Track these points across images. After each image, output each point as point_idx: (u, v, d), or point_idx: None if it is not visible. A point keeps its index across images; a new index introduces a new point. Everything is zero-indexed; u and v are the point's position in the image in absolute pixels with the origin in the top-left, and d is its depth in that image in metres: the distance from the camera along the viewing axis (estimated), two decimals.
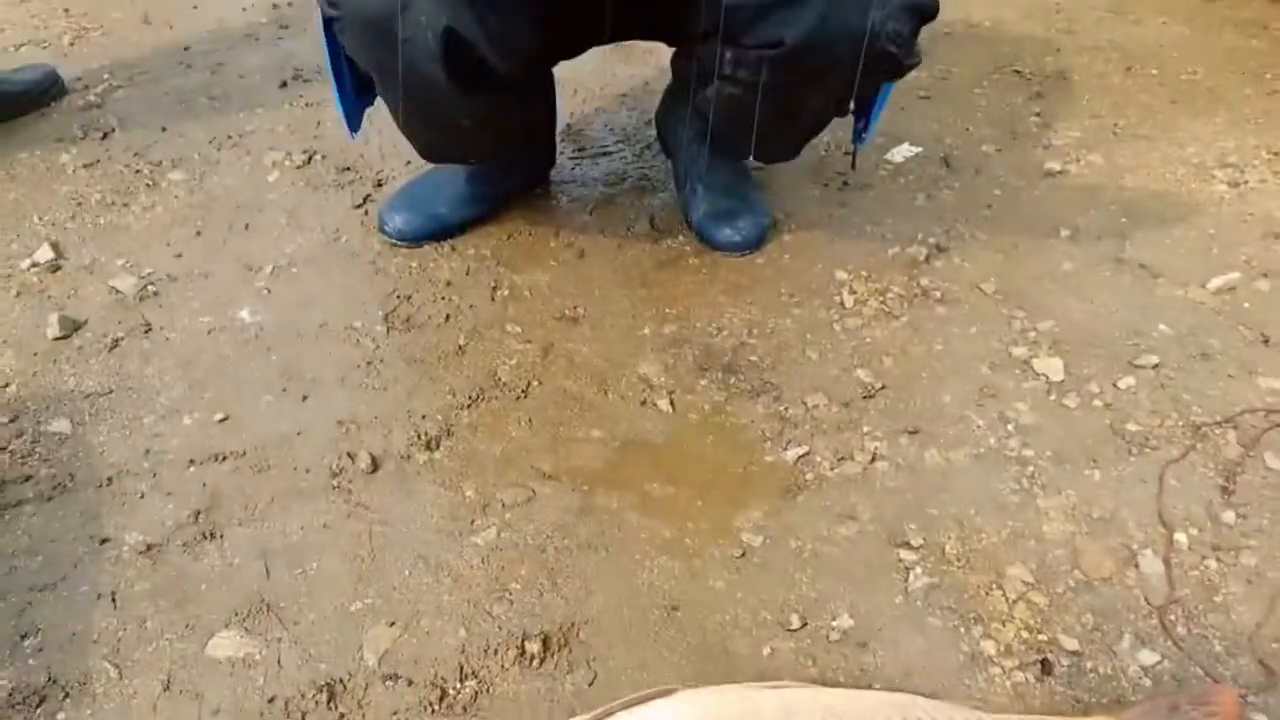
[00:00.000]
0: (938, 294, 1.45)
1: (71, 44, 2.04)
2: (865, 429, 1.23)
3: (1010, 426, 1.23)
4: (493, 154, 1.43)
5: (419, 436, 1.20)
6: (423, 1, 1.05)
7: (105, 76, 1.92)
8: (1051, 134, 1.85)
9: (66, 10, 2.19)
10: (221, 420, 1.21)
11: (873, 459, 1.19)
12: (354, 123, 1.32)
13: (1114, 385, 1.28)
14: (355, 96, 1.27)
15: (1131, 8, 2.32)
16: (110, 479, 1.12)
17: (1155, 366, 1.30)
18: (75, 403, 1.22)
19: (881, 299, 1.44)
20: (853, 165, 1.64)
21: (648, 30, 1.45)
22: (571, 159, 1.76)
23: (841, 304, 1.44)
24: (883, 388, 1.29)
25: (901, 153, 1.79)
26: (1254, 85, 1.97)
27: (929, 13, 1.11)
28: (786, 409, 1.26)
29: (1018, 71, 2.06)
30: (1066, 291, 1.45)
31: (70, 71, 1.93)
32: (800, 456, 1.19)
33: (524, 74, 1.21)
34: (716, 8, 1.12)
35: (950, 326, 1.39)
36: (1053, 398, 1.26)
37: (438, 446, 1.19)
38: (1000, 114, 1.91)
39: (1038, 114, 1.91)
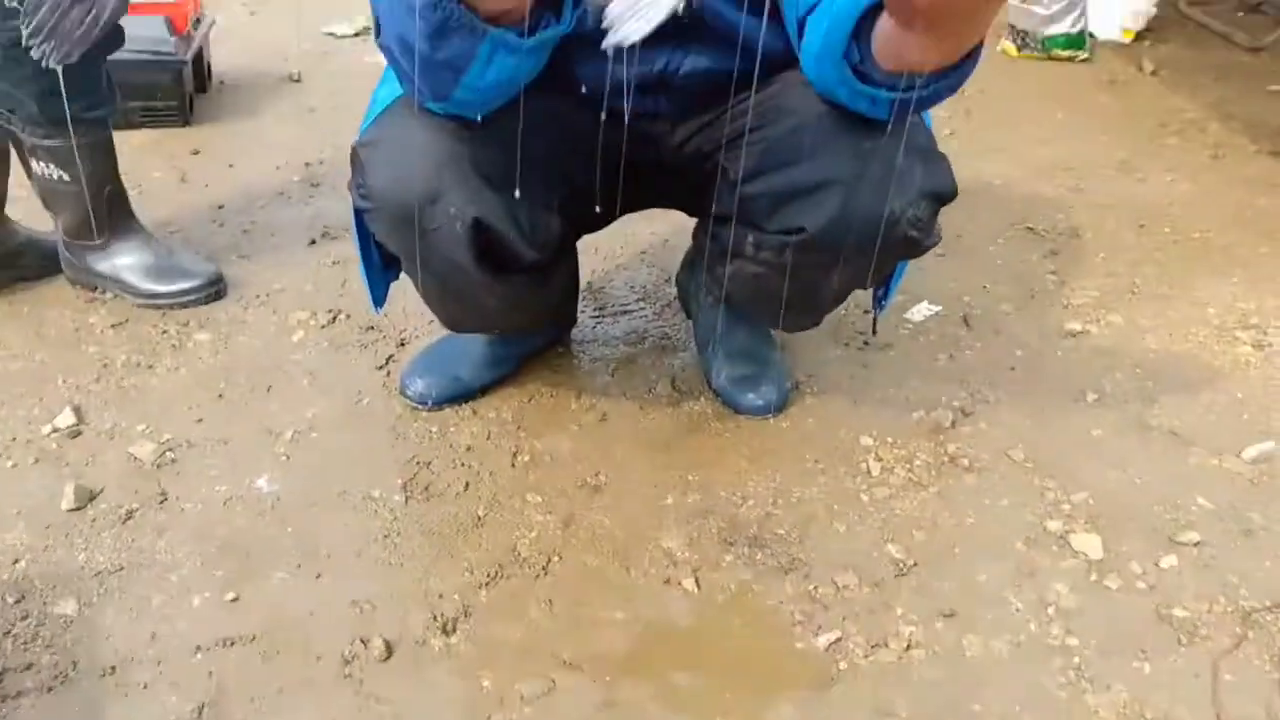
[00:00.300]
0: (966, 462, 1.42)
1: None
2: (899, 611, 1.18)
3: (1051, 610, 1.18)
4: (517, 326, 1.44)
5: (435, 619, 1.16)
6: (452, 194, 1.07)
7: None
8: (1069, 292, 1.86)
9: None
10: (232, 600, 1.18)
11: (908, 646, 1.13)
12: (379, 297, 1.33)
13: (1156, 565, 1.23)
14: (382, 272, 1.29)
15: (1138, 166, 2.38)
16: (114, 667, 1.08)
17: (1197, 544, 1.26)
18: (84, 581, 1.19)
19: (909, 467, 1.42)
20: (874, 330, 1.64)
21: (670, 204, 1.49)
22: (593, 317, 1.78)
23: (868, 471, 1.41)
24: (915, 565, 1.25)
25: (921, 311, 1.80)
26: (1268, 244, 1.99)
27: (948, 197, 1.13)
28: (816, 588, 1.21)
29: (1031, 229, 2.09)
30: (1098, 460, 1.42)
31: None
32: (832, 643, 1.14)
33: (550, 256, 1.23)
34: (737, 194, 1.14)
35: (981, 497, 1.36)
36: (1093, 578, 1.22)
37: (454, 630, 1.15)
38: (1017, 272, 1.93)
39: (1054, 272, 1.92)
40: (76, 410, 1.47)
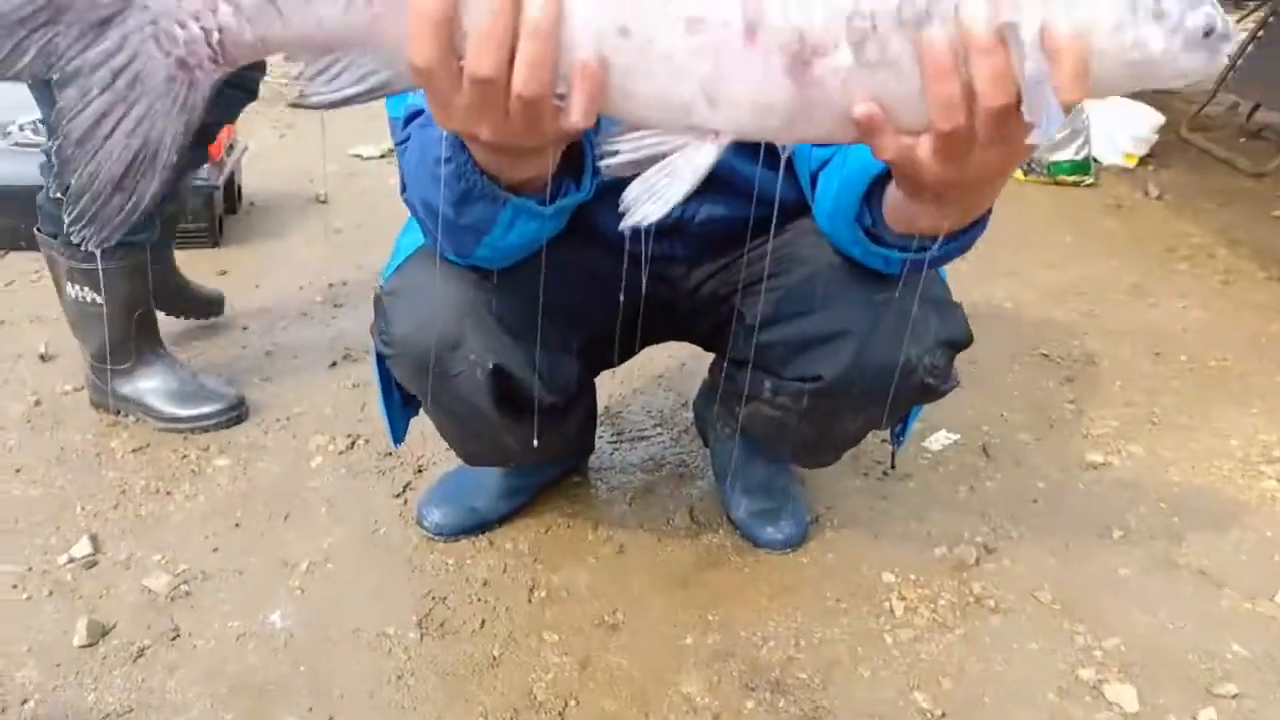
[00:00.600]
0: (991, 602, 1.39)
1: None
2: None
3: None
4: (534, 461, 1.44)
5: None
6: (473, 340, 1.09)
7: None
8: (1088, 422, 1.85)
9: None
10: None
11: None
12: (399, 434, 1.34)
13: (1194, 719, 1.19)
14: (401, 410, 1.31)
15: (1150, 291, 2.40)
16: None
17: (1235, 696, 1.22)
18: None
19: (933, 607, 1.39)
20: (892, 465, 1.64)
21: (686, 340, 1.51)
22: (610, 443, 1.78)
23: (891, 611, 1.38)
24: (944, 716, 1.21)
25: (939, 440, 1.79)
26: None
27: (964, 344, 1.15)
28: None
29: (1046, 355, 2.11)
30: (1127, 601, 1.39)
31: None
32: None
33: (569, 397, 1.24)
34: (754, 340, 1.16)
35: (1009, 641, 1.33)
36: None
37: None
38: (1034, 400, 1.93)
39: (1071, 401, 1.92)
40: (93, 539, 1.46)
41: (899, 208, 0.91)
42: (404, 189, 1.04)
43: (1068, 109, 0.72)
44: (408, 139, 1.01)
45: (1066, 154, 3.16)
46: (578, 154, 0.91)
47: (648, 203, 0.74)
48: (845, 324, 1.09)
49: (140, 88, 0.68)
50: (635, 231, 1.06)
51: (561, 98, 0.72)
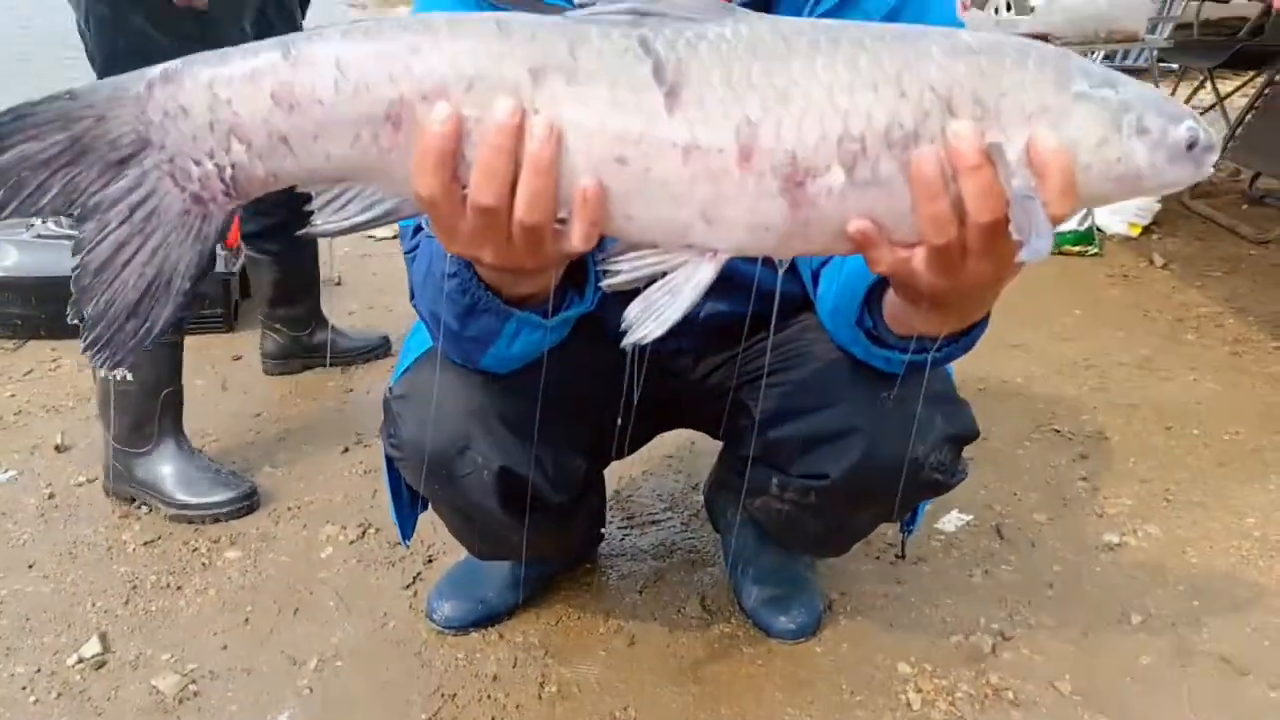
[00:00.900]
0: (1010, 694, 1.37)
1: None
2: None
3: None
4: (544, 554, 1.44)
5: None
6: (480, 443, 1.10)
7: None
8: (1103, 500, 1.84)
9: None
10: None
11: None
12: (407, 532, 1.35)
13: None
14: (410, 508, 1.31)
15: (1159, 363, 2.40)
16: None
17: None
18: None
19: (950, 699, 1.36)
20: (902, 554, 1.62)
21: (694, 428, 1.51)
22: (621, 528, 1.77)
23: (908, 704, 1.36)
24: None
25: (952, 521, 1.78)
26: None
27: (970, 438, 1.15)
28: None
29: (1057, 430, 2.10)
30: (1151, 692, 1.36)
31: None
32: None
33: (576, 495, 1.25)
34: (761, 437, 1.16)
35: None
36: None
37: None
38: (1046, 477, 1.92)
39: (1084, 478, 1.91)
40: (103, 637, 1.46)
41: (898, 311, 0.93)
42: (412, 295, 1.07)
43: (1056, 223, 0.73)
44: (416, 247, 1.04)
45: (1071, 224, 3.19)
46: (580, 265, 0.93)
47: (649, 321, 0.76)
48: (851, 422, 1.09)
49: (156, 220, 0.70)
50: None
51: (562, 222, 0.74)
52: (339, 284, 2.93)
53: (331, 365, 2.35)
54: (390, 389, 1.18)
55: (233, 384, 2.31)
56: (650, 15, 0.72)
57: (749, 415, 1.24)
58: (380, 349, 2.44)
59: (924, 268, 0.76)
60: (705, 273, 0.77)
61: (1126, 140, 0.73)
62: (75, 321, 0.71)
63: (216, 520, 1.77)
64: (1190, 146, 0.75)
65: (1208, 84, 4.48)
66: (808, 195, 0.73)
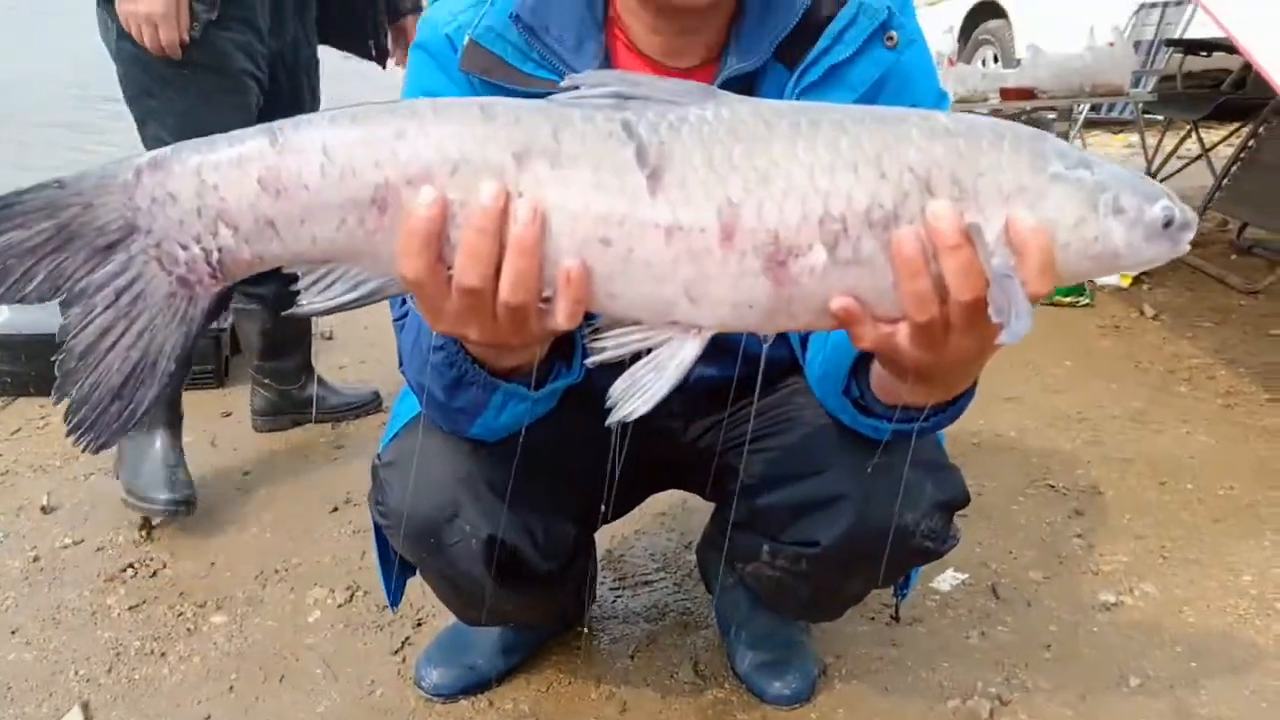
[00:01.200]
0: None
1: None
2: None
3: None
4: (533, 621, 1.42)
5: None
6: (468, 511, 1.10)
7: None
8: (1098, 557, 1.82)
9: None
10: None
11: None
12: (395, 598, 1.33)
13: None
14: (399, 575, 1.30)
15: (1151, 416, 2.40)
16: None
17: None
18: None
19: None
20: (896, 617, 1.61)
21: (685, 489, 1.50)
22: (612, 589, 1.75)
23: None
24: None
25: (947, 580, 1.76)
26: None
27: (960, 505, 1.14)
28: None
29: (1051, 486, 2.09)
30: None
31: None
32: None
33: (566, 561, 1.24)
34: (751, 502, 1.16)
35: None
36: None
37: None
38: (1041, 534, 1.91)
39: (1079, 535, 1.90)
40: (85, 707, 1.43)
41: (884, 382, 0.93)
42: (401, 362, 1.07)
43: (1035, 301, 0.74)
44: (405, 315, 1.04)
45: None
46: (567, 336, 0.94)
47: (634, 399, 0.76)
48: (841, 489, 1.09)
49: (142, 304, 0.71)
50: None
51: (547, 301, 0.74)
52: (329, 338, 2.94)
53: (321, 422, 2.34)
54: (379, 455, 1.17)
55: (222, 441, 2.30)
56: (633, 99, 0.73)
57: (739, 482, 1.24)
58: (371, 405, 2.44)
59: (908, 343, 0.77)
60: (690, 350, 0.78)
61: (1103, 219, 0.74)
62: (57, 404, 0.71)
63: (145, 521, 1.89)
64: (1167, 225, 0.76)
65: (1194, 134, 4.56)
66: (790, 274, 0.73)
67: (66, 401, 0.70)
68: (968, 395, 0.94)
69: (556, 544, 1.19)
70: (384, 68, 2.29)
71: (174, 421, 1.96)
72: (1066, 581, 1.75)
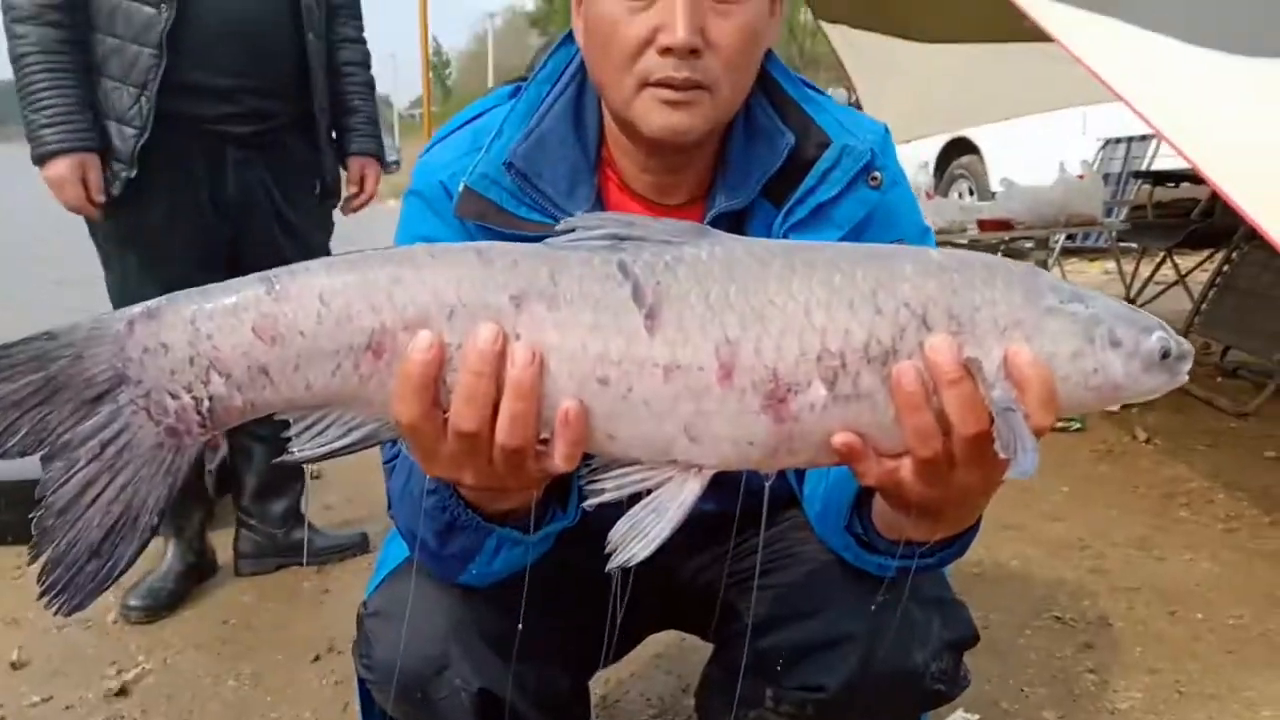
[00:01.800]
0: None
1: (114, 621, 2.07)
2: None
3: None
4: None
5: None
6: (459, 664, 1.05)
7: (140, 659, 1.91)
8: (1113, 695, 1.75)
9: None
10: None
11: None
12: None
13: None
14: None
15: (1154, 543, 2.36)
16: None
17: None
18: None
19: None
20: None
21: (683, 629, 1.45)
22: None
23: None
24: None
25: None
26: None
27: (971, 643, 1.10)
28: None
29: (1058, 617, 2.03)
30: None
31: (105, 653, 1.93)
32: None
33: (560, 711, 1.18)
34: (752, 645, 1.11)
35: None
36: None
37: None
38: (1052, 670, 1.84)
39: (1092, 670, 1.83)
40: None
41: (887, 518, 0.91)
42: (390, 506, 1.04)
43: (1039, 434, 0.73)
44: (394, 458, 1.02)
45: None
46: (563, 477, 0.92)
47: (635, 543, 0.74)
48: (846, 629, 1.05)
49: (128, 455, 0.69)
50: None
51: (544, 443, 0.73)
52: (317, 477, 2.89)
53: (307, 565, 2.28)
54: (365, 604, 1.13)
55: (204, 585, 2.23)
56: (628, 239, 0.74)
57: (739, 619, 1.19)
58: (358, 548, 2.38)
59: (912, 478, 0.75)
60: (691, 490, 0.76)
61: (1100, 352, 0.75)
62: (31, 564, 0.68)
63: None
64: (1164, 356, 0.77)
65: (1169, 261, 4.69)
66: (791, 410, 0.72)
67: (42, 561, 0.67)
68: (973, 530, 0.92)
69: (551, 692, 1.13)
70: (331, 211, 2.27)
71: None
72: None
